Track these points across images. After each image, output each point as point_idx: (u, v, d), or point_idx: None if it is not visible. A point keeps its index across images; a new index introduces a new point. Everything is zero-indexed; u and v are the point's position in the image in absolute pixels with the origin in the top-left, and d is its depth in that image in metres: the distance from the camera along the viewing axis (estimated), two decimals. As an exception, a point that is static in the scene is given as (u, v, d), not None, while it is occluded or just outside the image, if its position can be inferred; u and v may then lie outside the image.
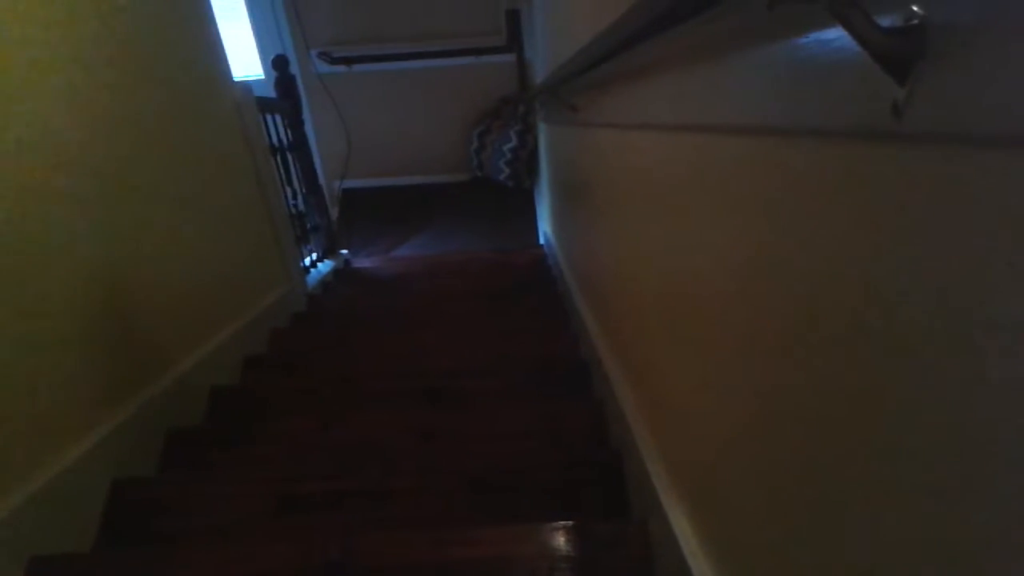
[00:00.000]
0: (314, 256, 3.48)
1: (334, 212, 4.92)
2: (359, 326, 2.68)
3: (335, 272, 3.65)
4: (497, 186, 5.09)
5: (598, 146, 1.68)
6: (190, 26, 2.04)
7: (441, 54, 4.80)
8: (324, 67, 4.82)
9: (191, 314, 1.88)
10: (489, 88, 4.97)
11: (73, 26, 1.43)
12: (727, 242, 0.74)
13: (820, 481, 0.55)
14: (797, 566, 0.61)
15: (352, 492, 1.37)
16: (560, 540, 1.14)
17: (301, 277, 2.99)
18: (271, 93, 3.20)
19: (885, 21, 0.38)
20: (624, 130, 1.30)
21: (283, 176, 2.97)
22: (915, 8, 0.36)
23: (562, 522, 1.17)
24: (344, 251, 4.03)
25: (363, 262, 4.13)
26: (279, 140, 2.98)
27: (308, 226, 3.43)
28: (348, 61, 4.82)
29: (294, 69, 3.50)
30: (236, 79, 2.37)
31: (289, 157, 3.15)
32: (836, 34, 0.45)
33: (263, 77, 4.64)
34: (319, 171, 3.87)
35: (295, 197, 3.15)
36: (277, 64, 3.23)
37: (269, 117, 2.84)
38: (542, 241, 4.45)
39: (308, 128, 3.60)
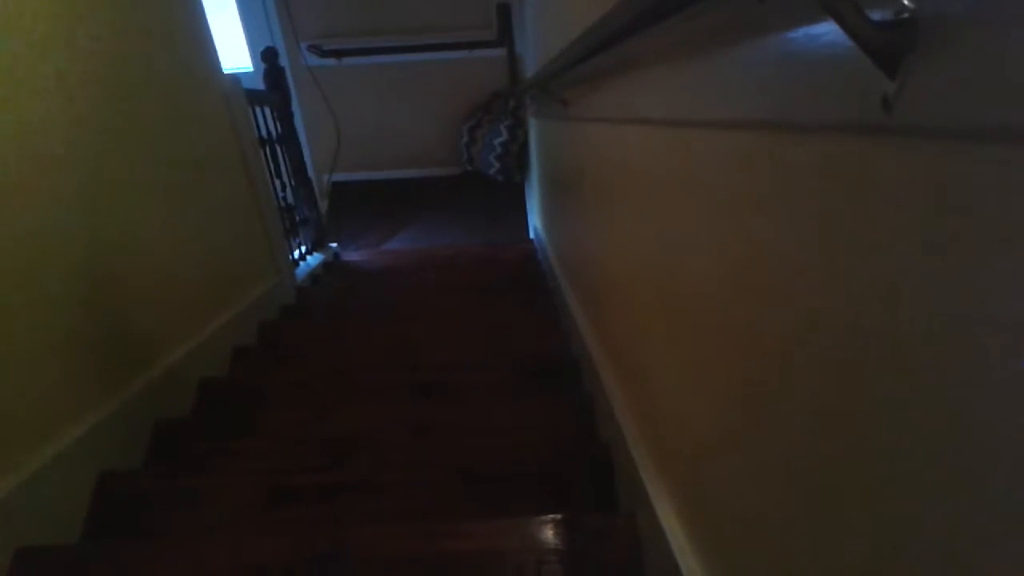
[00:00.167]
0: (303, 249, 3.47)
1: (323, 205, 4.91)
2: (349, 319, 2.68)
3: (324, 265, 3.64)
4: (487, 180, 5.08)
5: (588, 141, 1.68)
6: (179, 18, 2.03)
7: (431, 48, 4.78)
8: (314, 60, 4.80)
9: (179, 306, 1.87)
10: (479, 82, 4.96)
11: (60, 18, 1.42)
12: (717, 237, 0.74)
13: (807, 476, 0.55)
14: (784, 560, 0.61)
15: (342, 485, 1.37)
16: (549, 533, 1.14)
17: (290, 270, 2.98)
18: (260, 85, 3.19)
19: (876, 14, 0.38)
20: (614, 124, 1.30)
21: (272, 169, 2.96)
22: (906, 1, 0.36)
23: (551, 515, 1.17)
24: (333, 244, 4.02)
25: (352, 255, 4.12)
26: (268, 132, 2.97)
27: (297, 219, 3.43)
28: (338, 54, 4.80)
29: (284, 61, 3.49)
30: (225, 71, 2.36)
31: (278, 149, 3.14)
32: (826, 28, 0.45)
33: (252, 69, 4.61)
34: (308, 164, 3.86)
35: (284, 190, 3.14)
36: (266, 56, 3.22)
37: (258, 109, 2.83)
38: (532, 235, 4.45)
39: (297, 121, 3.58)
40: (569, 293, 2.27)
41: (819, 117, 0.49)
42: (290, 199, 3.29)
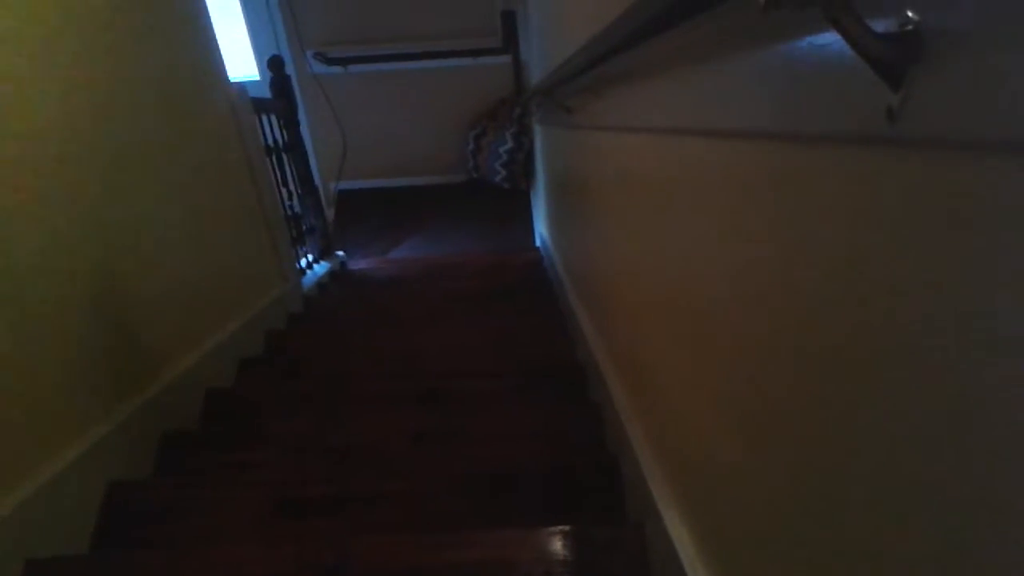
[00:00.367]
0: (310, 258, 3.48)
1: (330, 213, 4.92)
2: (355, 328, 2.68)
3: (331, 274, 3.65)
4: (493, 188, 5.09)
5: (594, 148, 1.68)
6: (186, 27, 2.04)
7: (437, 55, 4.80)
8: (320, 68, 4.82)
9: (186, 316, 1.87)
10: (485, 90, 4.97)
11: (69, 26, 1.43)
12: (722, 245, 0.74)
13: (818, 487, 0.54)
14: (795, 572, 0.61)
15: (348, 495, 1.37)
16: (556, 544, 1.14)
17: (297, 279, 2.98)
18: (266, 94, 3.20)
19: (880, 26, 0.38)
20: (619, 133, 1.30)
21: (278, 177, 2.97)
22: (910, 14, 0.36)
23: (558, 526, 1.17)
24: (340, 253, 4.03)
25: (359, 264, 4.13)
26: (274, 141, 2.98)
27: (304, 227, 3.43)
28: (344, 62, 4.82)
29: (289, 70, 3.50)
30: (231, 80, 2.37)
31: (284, 158, 3.15)
32: (831, 38, 0.45)
33: (258, 78, 4.63)
34: (315, 172, 3.86)
35: (291, 198, 3.14)
36: (272, 65, 3.23)
37: (264, 118, 2.83)
38: (538, 243, 4.45)
39: (304, 129, 3.59)
40: (575, 300, 2.27)
41: (823, 127, 0.48)
42: (296, 208, 3.29)
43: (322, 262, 3.65)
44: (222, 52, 2.30)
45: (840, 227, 0.47)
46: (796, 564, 0.60)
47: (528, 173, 4.87)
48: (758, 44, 0.58)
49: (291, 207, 3.14)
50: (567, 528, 1.16)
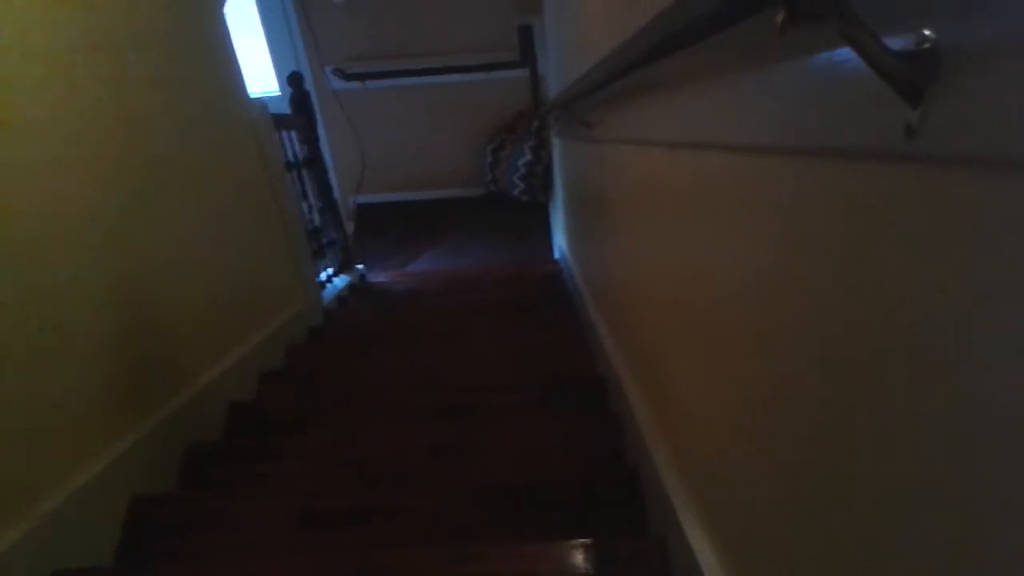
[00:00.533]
0: (330, 271, 3.50)
1: (349, 227, 4.94)
2: (375, 341, 2.69)
3: (351, 287, 3.67)
4: (511, 201, 5.10)
5: (613, 162, 1.68)
6: (207, 45, 2.07)
7: (454, 70, 4.83)
8: (338, 83, 4.86)
9: (208, 330, 1.89)
10: (503, 103, 4.99)
11: (95, 47, 1.45)
12: (742, 260, 0.74)
13: (840, 496, 0.54)
14: (816, 584, 0.61)
15: (370, 508, 1.38)
16: (578, 557, 1.14)
17: (317, 292, 3.00)
18: (286, 109, 3.23)
19: (896, 44, 0.38)
20: (639, 146, 1.30)
21: (299, 191, 3.00)
22: (926, 31, 0.36)
23: (580, 539, 1.17)
24: (359, 266, 4.05)
25: (378, 277, 4.15)
26: (294, 156, 3.01)
27: (324, 241, 3.45)
28: (362, 77, 4.86)
29: (309, 85, 3.53)
30: (252, 96, 2.39)
31: (304, 173, 3.18)
32: (848, 55, 0.45)
33: (279, 94, 4.68)
34: (334, 186, 3.89)
35: (310, 212, 3.17)
36: (292, 81, 3.26)
37: (284, 133, 2.86)
38: (557, 256, 4.45)
39: (323, 144, 3.62)
40: (595, 312, 2.27)
41: (841, 143, 0.49)
42: (316, 222, 3.32)
43: (342, 275, 3.67)
44: (243, 69, 2.33)
45: (859, 242, 0.47)
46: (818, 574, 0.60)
47: (546, 186, 4.87)
48: (776, 60, 0.59)
49: (311, 221, 3.16)
50: (588, 541, 1.16)
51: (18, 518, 1.15)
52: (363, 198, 5.31)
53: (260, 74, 4.76)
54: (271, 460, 1.67)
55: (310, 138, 3.38)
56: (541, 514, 1.36)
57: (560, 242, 4.22)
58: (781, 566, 0.69)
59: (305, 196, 3.12)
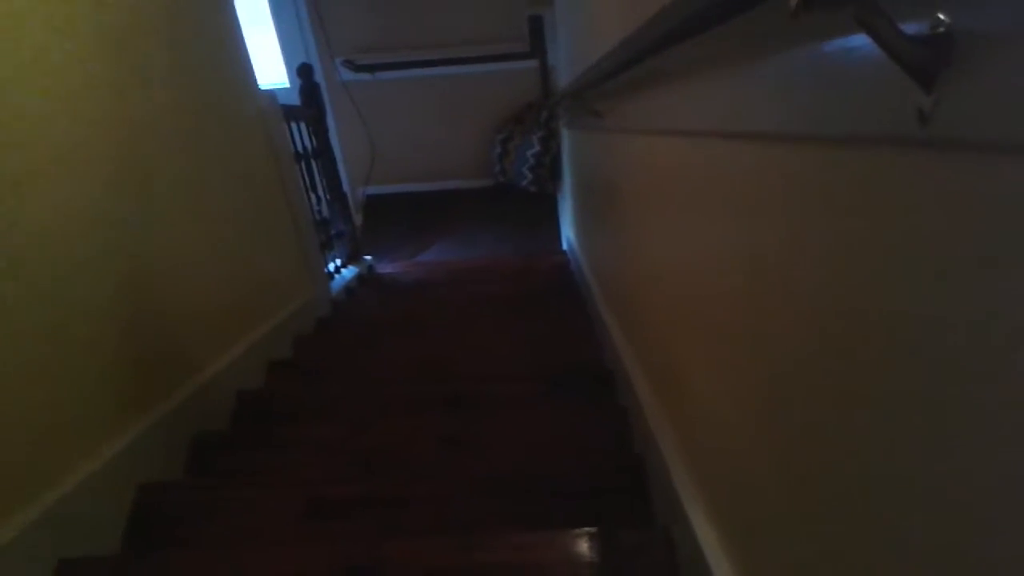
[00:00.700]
0: (338, 262, 3.50)
1: (358, 218, 4.95)
2: (383, 331, 2.69)
3: (359, 278, 3.67)
4: (520, 191, 5.10)
5: (622, 152, 1.68)
6: (217, 36, 2.07)
7: (464, 60, 4.82)
8: (348, 75, 4.86)
9: (217, 320, 1.90)
10: (512, 94, 4.99)
11: (101, 38, 1.46)
12: (753, 248, 0.73)
13: (844, 487, 0.54)
14: (821, 572, 0.60)
15: (377, 498, 1.38)
16: (584, 547, 1.14)
17: (325, 283, 3.00)
18: (296, 101, 3.23)
19: (911, 28, 0.37)
20: (649, 136, 1.29)
21: (307, 183, 3.00)
22: (941, 16, 0.36)
23: (587, 529, 1.17)
24: (368, 257, 4.05)
25: (387, 268, 4.15)
26: (303, 147, 3.01)
27: (332, 232, 3.46)
28: (371, 68, 4.86)
29: (318, 77, 3.53)
30: (261, 87, 2.40)
31: (313, 164, 3.18)
32: (861, 41, 0.45)
33: (288, 85, 4.68)
34: (343, 177, 3.89)
35: (319, 203, 3.17)
36: (302, 72, 3.26)
37: (294, 124, 2.86)
38: (565, 247, 4.45)
39: (332, 135, 3.62)
40: (602, 303, 2.27)
41: (854, 129, 0.48)
42: (325, 213, 3.32)
43: (350, 266, 3.67)
44: (252, 61, 2.33)
45: (872, 228, 0.47)
46: (824, 566, 0.60)
47: (555, 176, 4.87)
48: (789, 47, 0.58)
49: (320, 212, 3.17)
50: (594, 531, 1.16)
51: (25, 507, 1.15)
52: (372, 189, 5.32)
53: (270, 66, 4.76)
54: (278, 449, 1.68)
55: (319, 129, 3.38)
56: (548, 504, 1.36)
57: (568, 233, 4.22)
58: (785, 555, 0.69)
59: (314, 187, 3.12)
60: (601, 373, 1.96)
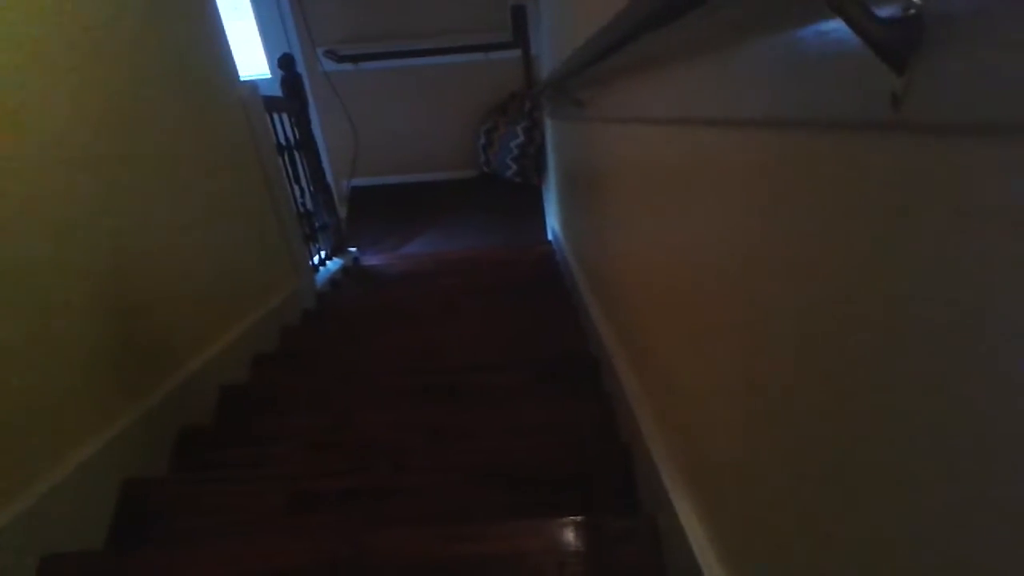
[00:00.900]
0: (323, 254, 3.50)
1: (342, 210, 4.93)
2: (368, 323, 2.69)
3: (344, 270, 3.66)
4: (505, 182, 5.09)
5: (604, 141, 1.68)
6: (194, 27, 2.05)
7: (447, 51, 4.80)
8: (331, 65, 4.83)
9: (200, 313, 1.88)
10: (496, 84, 4.97)
11: (78, 25, 1.44)
12: (731, 234, 0.74)
13: (827, 474, 0.54)
14: (805, 559, 0.61)
15: (363, 489, 1.38)
16: (570, 535, 1.14)
17: (310, 275, 3.00)
18: (278, 92, 3.21)
19: (883, 11, 0.38)
20: (629, 124, 1.29)
21: (291, 175, 2.99)
22: (912, -2, 0.36)
23: (572, 517, 1.17)
24: (353, 249, 4.04)
25: (372, 259, 4.14)
26: (286, 139, 2.99)
27: (316, 224, 3.45)
28: (354, 59, 4.83)
29: (300, 68, 3.51)
30: (242, 79, 2.38)
31: (296, 156, 3.17)
32: (835, 25, 0.45)
33: (270, 76, 4.65)
34: (327, 169, 3.87)
35: (303, 195, 3.16)
36: (283, 63, 3.24)
37: (276, 116, 2.85)
38: (550, 237, 4.45)
39: (315, 127, 3.61)
40: (587, 292, 2.27)
41: (829, 114, 0.48)
42: (309, 205, 3.31)
43: (335, 259, 3.66)
44: (233, 51, 2.31)
45: (849, 213, 0.47)
46: (805, 551, 0.60)
47: (539, 167, 4.86)
48: (765, 32, 0.58)
49: (303, 204, 3.15)
50: (580, 519, 1.16)
51: (8, 503, 1.14)
52: (356, 181, 5.29)
53: (251, 58, 4.73)
54: (263, 443, 1.67)
55: (302, 121, 3.36)
56: (535, 493, 1.36)
57: (553, 223, 4.22)
58: (771, 543, 0.70)
59: (297, 179, 3.11)
60: (587, 361, 1.96)
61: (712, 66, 0.75)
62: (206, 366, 1.85)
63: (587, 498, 1.35)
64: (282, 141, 2.90)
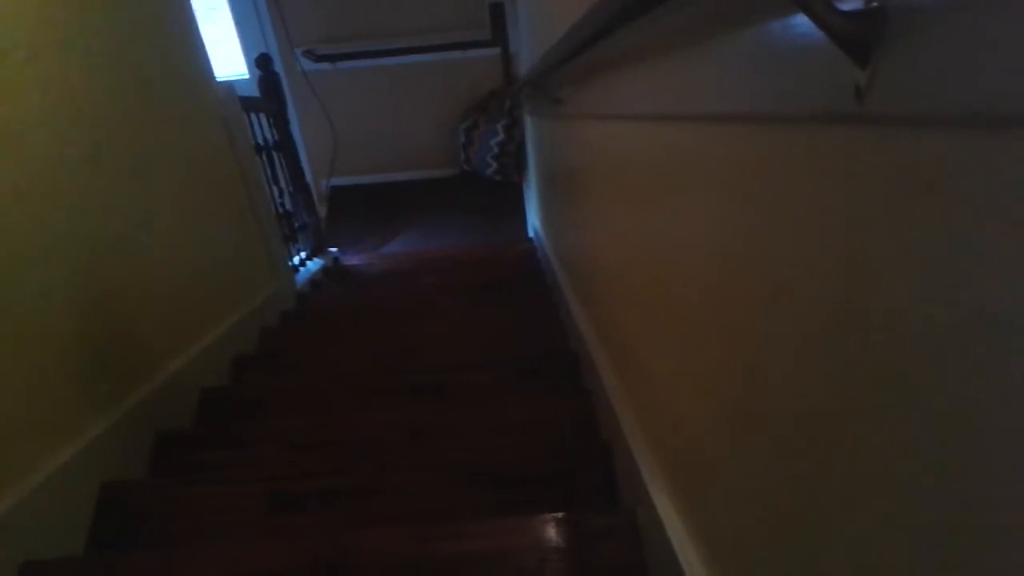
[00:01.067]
0: (303, 255, 3.48)
1: (322, 210, 4.91)
2: (349, 323, 2.68)
3: (324, 270, 3.65)
4: (485, 181, 5.08)
5: (581, 138, 1.68)
6: (170, 27, 2.03)
7: (426, 49, 4.79)
8: (309, 65, 4.80)
9: (179, 315, 1.87)
10: (475, 82, 4.96)
11: (50, 24, 1.42)
12: (706, 230, 0.74)
13: (802, 469, 0.55)
14: (782, 552, 0.61)
15: (344, 490, 1.37)
16: (550, 532, 1.14)
17: (290, 276, 2.98)
18: (256, 92, 3.19)
19: (845, 4, 0.38)
20: (606, 121, 1.30)
21: (269, 175, 2.97)
22: (874, -10, 0.36)
23: (552, 514, 1.17)
24: (333, 249, 4.03)
25: (352, 259, 4.13)
26: (264, 139, 2.98)
27: (296, 225, 3.43)
28: (332, 59, 4.81)
29: (278, 68, 3.49)
30: (220, 79, 2.36)
31: (275, 156, 3.15)
32: (801, 19, 0.45)
33: (247, 76, 4.62)
34: (306, 169, 3.86)
35: (282, 196, 3.14)
36: (260, 63, 3.22)
37: (254, 116, 2.83)
38: (531, 234, 4.45)
39: (294, 127, 3.59)
40: (568, 290, 2.27)
41: (797, 109, 0.49)
42: (288, 205, 3.29)
43: (315, 259, 3.65)
44: (209, 52, 2.29)
45: (817, 209, 0.47)
46: (785, 548, 0.60)
47: (520, 165, 4.86)
48: (735, 26, 0.59)
49: (282, 205, 3.14)
50: (561, 515, 1.16)
51: (-16, 509, 1.13)
52: (336, 181, 5.27)
53: (229, 58, 4.69)
54: (244, 445, 1.66)
55: (280, 121, 3.34)
56: (517, 491, 1.36)
57: (534, 220, 4.22)
58: (749, 537, 0.70)
59: (276, 179, 3.09)
60: (567, 358, 1.97)
61: (686, 61, 0.75)
62: (185, 368, 1.83)
63: (568, 495, 1.35)
64: (260, 141, 2.88)
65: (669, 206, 0.89)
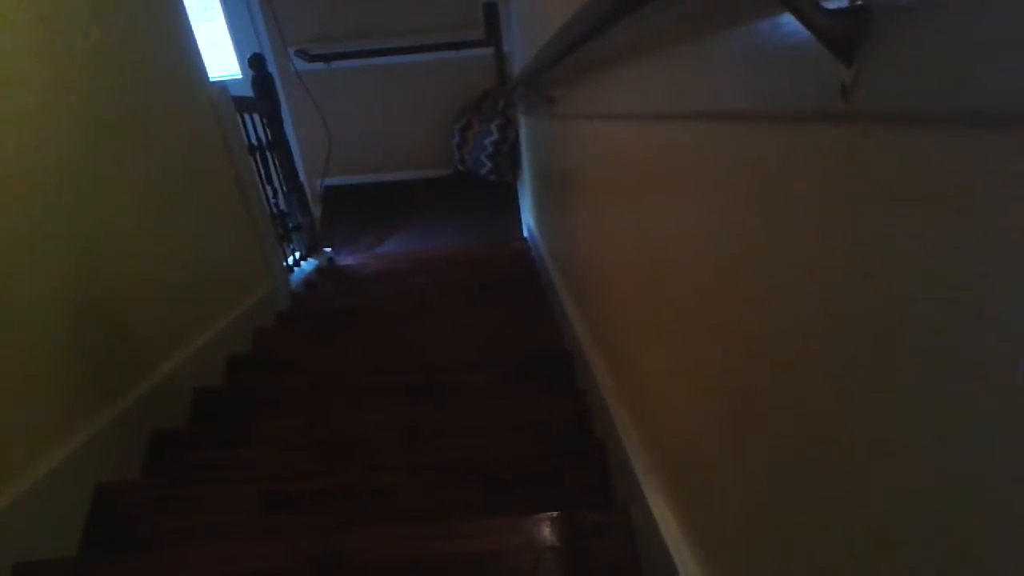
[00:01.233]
0: (297, 255, 3.47)
1: (316, 210, 4.90)
2: (344, 323, 2.68)
3: (319, 270, 3.64)
4: (479, 180, 5.08)
5: (574, 137, 1.68)
6: (162, 26, 2.03)
7: (419, 49, 4.79)
8: (302, 65, 4.80)
9: (173, 315, 1.87)
10: (468, 82, 4.96)
11: (42, 24, 1.42)
12: (697, 228, 0.74)
13: (797, 467, 0.55)
14: (774, 550, 0.61)
15: (338, 490, 1.37)
16: (545, 530, 1.15)
17: (284, 276, 2.97)
18: (249, 92, 3.18)
19: (831, 3, 0.38)
20: (598, 120, 1.30)
21: (263, 175, 2.96)
22: (859, -11, 0.36)
23: (547, 513, 1.17)
24: (327, 249, 4.02)
25: (347, 259, 4.12)
26: (258, 139, 2.97)
27: (290, 225, 3.42)
28: (326, 58, 4.80)
29: (272, 68, 3.48)
30: (213, 79, 2.36)
31: (269, 156, 3.14)
32: (789, 18, 0.45)
33: (241, 76, 4.61)
34: (300, 169, 3.85)
35: (276, 196, 3.14)
36: (254, 63, 3.21)
37: (247, 116, 2.82)
38: (526, 234, 4.45)
39: (288, 127, 3.58)
40: (562, 289, 2.28)
41: (787, 107, 0.49)
42: (282, 205, 3.28)
43: (309, 259, 3.64)
44: (202, 52, 2.28)
45: (810, 207, 0.47)
46: (774, 543, 0.61)
47: (514, 164, 4.86)
48: (724, 25, 0.59)
49: (277, 205, 3.13)
50: (555, 514, 1.17)
51: (-24, 510, 1.13)
52: (330, 181, 5.27)
53: (222, 58, 4.69)
54: (238, 445, 1.66)
55: (274, 121, 3.33)
56: (511, 490, 1.36)
57: (528, 220, 4.22)
58: (740, 534, 0.70)
59: (270, 180, 3.08)
60: (562, 357, 1.97)
61: (676, 60, 0.75)
62: (179, 369, 1.83)
63: (563, 494, 1.35)
64: (254, 141, 2.87)
65: (661, 205, 0.89)
